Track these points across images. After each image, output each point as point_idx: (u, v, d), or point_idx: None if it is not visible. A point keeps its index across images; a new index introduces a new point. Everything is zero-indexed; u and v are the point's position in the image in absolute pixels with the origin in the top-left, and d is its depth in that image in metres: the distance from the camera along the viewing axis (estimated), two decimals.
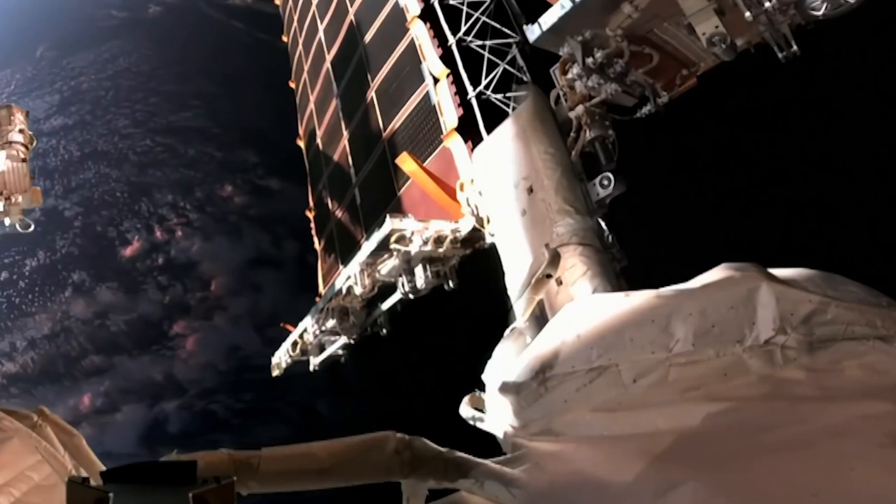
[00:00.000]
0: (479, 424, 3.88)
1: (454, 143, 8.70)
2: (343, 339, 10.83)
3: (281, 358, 12.56)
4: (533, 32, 6.28)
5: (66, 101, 38.32)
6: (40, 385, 31.31)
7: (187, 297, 32.61)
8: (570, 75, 6.55)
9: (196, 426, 29.87)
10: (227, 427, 29.75)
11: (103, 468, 3.94)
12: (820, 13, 5.11)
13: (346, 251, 11.96)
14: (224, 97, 37.17)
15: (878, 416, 2.31)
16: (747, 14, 5.21)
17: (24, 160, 9.35)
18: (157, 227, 34.77)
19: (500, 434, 3.68)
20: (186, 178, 35.84)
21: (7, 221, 9.26)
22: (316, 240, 14.78)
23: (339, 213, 13.14)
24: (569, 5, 5.81)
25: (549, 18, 6.08)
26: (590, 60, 6.07)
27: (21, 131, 9.37)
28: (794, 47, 5.43)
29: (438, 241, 8.19)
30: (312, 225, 15.11)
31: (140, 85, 38.61)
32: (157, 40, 40.11)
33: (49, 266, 33.90)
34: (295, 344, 11.95)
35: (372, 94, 11.64)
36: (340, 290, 9.79)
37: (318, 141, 14.81)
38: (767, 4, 5.09)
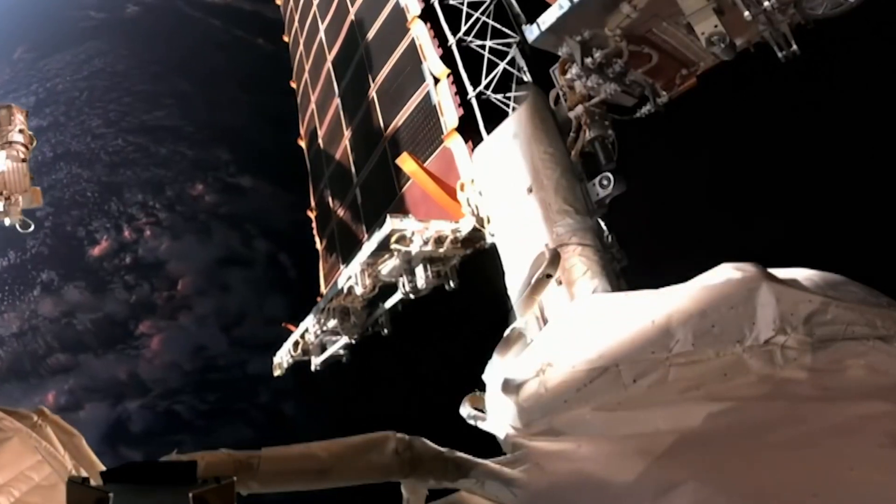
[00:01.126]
0: (479, 424, 3.88)
1: (454, 143, 8.71)
2: (344, 339, 10.83)
3: (282, 358, 12.56)
4: (531, 32, 6.28)
5: (42, 102, 38.42)
6: (6, 382, 31.45)
7: (154, 297, 32.71)
8: (569, 75, 6.56)
9: (158, 426, 29.81)
10: (189, 428, 29.63)
11: (103, 468, 3.94)
12: (819, 12, 5.11)
13: (347, 251, 11.97)
14: (198, 95, 37.13)
15: (878, 416, 2.31)
16: (746, 13, 5.21)
17: (24, 160, 9.36)
18: (125, 226, 34.83)
19: (500, 434, 3.68)
20: (157, 177, 35.84)
21: (7, 221, 9.27)
22: (317, 239, 14.79)
23: (340, 213, 13.15)
24: (567, 5, 5.81)
25: (547, 18, 6.08)
26: (589, 60, 6.07)
27: (21, 131, 9.38)
28: (794, 46, 5.43)
29: (439, 241, 8.19)
30: (314, 225, 15.13)
31: (115, 85, 38.62)
32: (135, 40, 40.18)
33: (19, 266, 34.08)
34: (296, 344, 11.95)
35: (373, 93, 11.65)
36: (341, 289, 9.79)
37: (320, 141, 14.83)
38: (766, 4, 5.08)
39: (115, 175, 36.34)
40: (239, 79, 36.04)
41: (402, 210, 9.31)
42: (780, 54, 5.48)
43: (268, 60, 36.53)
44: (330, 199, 13.91)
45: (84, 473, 3.76)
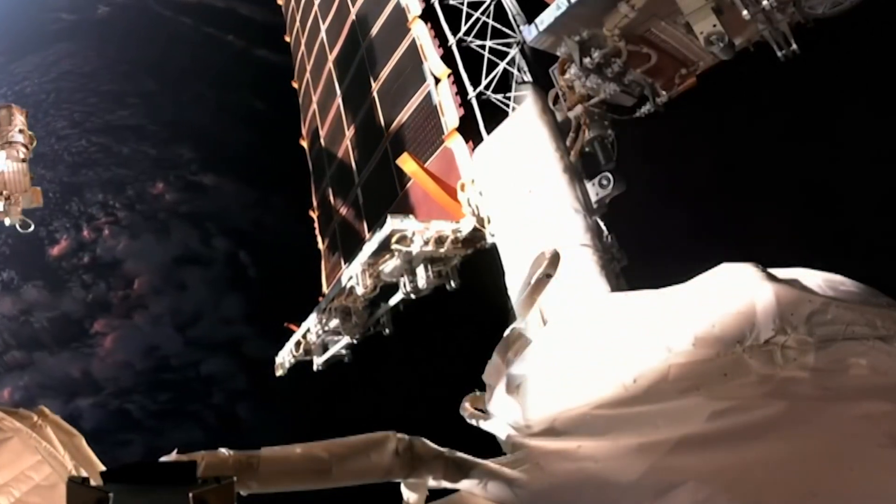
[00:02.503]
0: (479, 424, 3.88)
1: (455, 143, 8.72)
2: (346, 339, 10.84)
3: (284, 358, 12.57)
4: (530, 33, 6.29)
5: None
6: None
7: (110, 296, 32.84)
8: (568, 75, 6.56)
9: (110, 425, 29.79)
10: (139, 427, 29.61)
11: (103, 468, 3.94)
12: (819, 11, 5.11)
13: (349, 251, 11.99)
14: (163, 94, 37.17)
15: (878, 416, 2.31)
16: (745, 13, 5.22)
17: (24, 160, 9.37)
18: (85, 226, 34.88)
19: (500, 434, 3.68)
20: (119, 176, 35.89)
21: (7, 221, 9.28)
22: (319, 239, 14.81)
23: (342, 213, 13.16)
24: (564, 5, 5.81)
25: (544, 19, 6.09)
26: (587, 60, 6.08)
27: (21, 131, 9.39)
28: (794, 45, 5.43)
29: (439, 241, 8.20)
30: (316, 225, 15.14)
31: (81, 86, 38.64)
32: (104, 41, 40.28)
33: None
34: (298, 344, 11.96)
35: (374, 93, 11.66)
36: (343, 289, 9.81)
37: (321, 141, 14.83)
38: (765, 3, 5.09)
39: (77, 175, 36.45)
40: (206, 76, 36.11)
41: (404, 210, 9.32)
42: (779, 53, 5.49)
43: (237, 57, 36.77)
44: (332, 199, 13.92)
45: (84, 473, 3.76)
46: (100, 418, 30.03)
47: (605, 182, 6.28)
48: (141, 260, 33.16)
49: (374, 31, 12.05)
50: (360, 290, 9.14)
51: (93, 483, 1.81)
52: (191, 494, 1.70)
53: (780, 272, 3.19)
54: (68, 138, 37.27)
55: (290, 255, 30.04)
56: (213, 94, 35.34)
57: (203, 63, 36.48)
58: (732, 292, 3.15)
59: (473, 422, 3.88)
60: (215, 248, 32.87)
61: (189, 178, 35.15)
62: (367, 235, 11.03)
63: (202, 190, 34.76)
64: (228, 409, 29.02)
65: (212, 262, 32.50)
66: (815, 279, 3.12)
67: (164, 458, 2.30)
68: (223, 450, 2.53)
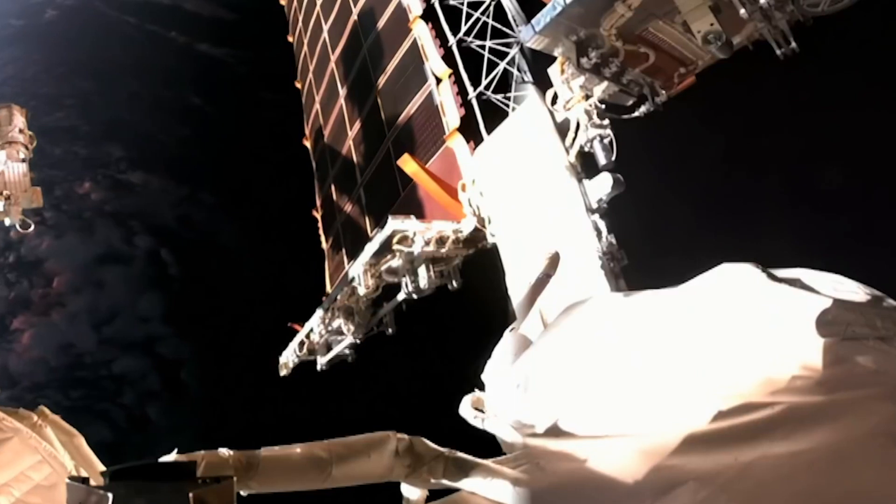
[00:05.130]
0: (479, 424, 3.88)
1: (456, 143, 8.73)
2: (350, 339, 10.84)
3: (288, 358, 12.57)
4: (527, 33, 6.29)
5: None
6: None
7: (31, 294, 33.03)
8: (567, 75, 6.56)
9: None
10: None
11: (103, 468, 3.94)
12: (819, 9, 5.11)
13: (352, 250, 12.00)
14: (98, 93, 37.10)
15: (878, 416, 2.31)
16: (742, 11, 5.21)
17: (24, 160, 9.37)
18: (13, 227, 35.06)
19: (500, 434, 3.67)
20: (49, 178, 35.50)
21: (7, 221, 9.28)
22: (323, 239, 14.81)
23: (345, 213, 13.17)
24: (560, 5, 5.81)
25: (541, 19, 6.09)
26: (584, 60, 6.07)
27: (21, 131, 9.39)
28: (793, 44, 5.42)
29: (441, 241, 8.21)
30: (319, 224, 15.14)
31: (22, 91, 38.21)
32: (49, 44, 40.19)
33: None
34: (302, 344, 11.96)
35: (376, 93, 11.66)
36: (345, 289, 9.82)
37: (324, 141, 14.84)
38: (763, 1, 5.09)
39: None
40: (144, 74, 36.17)
41: (407, 209, 9.33)
42: (778, 52, 5.48)
43: (178, 53, 36.75)
44: (335, 199, 13.94)
45: (84, 473, 3.76)
46: None
47: (604, 182, 6.28)
48: (63, 258, 33.40)
49: (376, 30, 12.06)
50: (362, 291, 9.14)
51: (93, 483, 1.81)
52: (190, 494, 1.70)
53: (780, 272, 3.19)
54: None
55: (214, 253, 30.54)
56: (149, 92, 35.43)
57: (143, 61, 36.56)
58: (733, 292, 3.15)
59: (473, 421, 3.88)
60: (137, 246, 33.07)
61: (117, 177, 35.25)
62: (372, 234, 11.05)
63: (129, 188, 34.90)
64: (138, 409, 29.17)
65: (132, 260, 32.75)
66: (815, 279, 3.12)
67: (163, 458, 2.30)
68: (223, 450, 2.53)
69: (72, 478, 1.83)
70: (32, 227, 9.47)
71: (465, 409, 3.96)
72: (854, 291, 3.00)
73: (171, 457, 2.35)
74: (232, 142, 31.19)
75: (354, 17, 13.22)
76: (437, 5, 9.77)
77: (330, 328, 10.83)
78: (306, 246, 15.66)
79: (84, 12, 41.01)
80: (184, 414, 26.68)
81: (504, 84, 8.36)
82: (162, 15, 38.77)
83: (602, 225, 6.33)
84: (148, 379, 29.81)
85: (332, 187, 14.24)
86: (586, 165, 6.64)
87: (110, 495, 1.67)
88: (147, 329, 30.67)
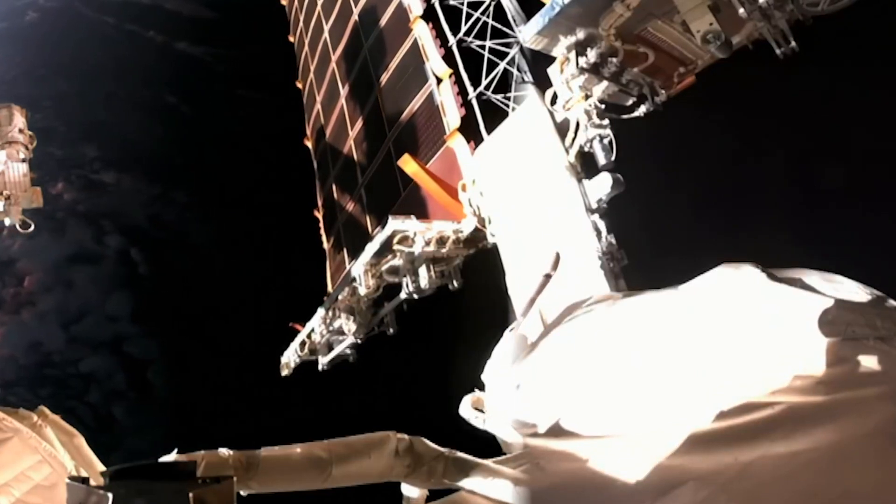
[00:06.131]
0: (479, 424, 3.88)
1: (457, 143, 8.73)
2: (351, 339, 10.84)
3: (290, 358, 12.57)
4: (526, 33, 6.29)
5: None
6: None
7: (2, 293, 33.32)
8: (566, 75, 6.56)
9: None
10: None
11: (103, 468, 3.94)
12: (819, 8, 5.11)
13: (353, 250, 12.00)
14: (76, 94, 37.17)
15: (878, 416, 2.31)
16: (741, 11, 5.21)
17: (24, 160, 9.38)
18: None
19: (500, 434, 3.67)
20: None
21: (7, 221, 9.29)
22: (324, 239, 14.81)
23: (346, 213, 13.17)
24: (559, 5, 5.81)
25: (539, 19, 6.09)
26: (583, 60, 6.07)
27: (21, 131, 9.40)
28: (793, 43, 5.42)
29: (441, 241, 8.22)
30: (321, 224, 15.14)
31: (3, 93, 37.94)
32: (30, 46, 40.27)
33: None
34: (303, 344, 11.96)
35: (377, 93, 11.67)
36: (346, 290, 9.82)
37: (326, 141, 14.85)
38: (761, 0, 5.09)
39: None
40: (121, 74, 36.28)
41: (408, 209, 9.33)
42: (778, 51, 5.48)
43: (156, 52, 36.81)
44: (336, 199, 13.94)
45: (84, 473, 3.76)
46: None
47: (604, 182, 6.28)
48: (34, 258, 33.58)
49: (377, 30, 12.06)
50: (362, 291, 9.14)
51: (93, 483, 1.81)
52: (191, 494, 1.70)
53: (781, 272, 3.18)
54: None
55: (184, 252, 30.64)
56: (125, 92, 35.56)
57: (121, 61, 36.62)
58: (733, 293, 3.15)
59: (474, 422, 3.88)
60: (108, 245, 33.29)
61: (90, 177, 35.37)
62: (373, 234, 11.05)
63: (102, 188, 35.05)
64: (104, 408, 29.40)
65: (102, 259, 32.98)
66: (815, 279, 3.11)
67: (164, 458, 2.30)
68: (223, 450, 2.53)
69: (72, 478, 1.83)
70: (32, 227, 9.47)
71: (465, 409, 3.95)
72: (854, 291, 3.00)
73: (171, 457, 2.35)
74: (208, 140, 31.32)
75: (355, 17, 13.22)
76: (437, 5, 9.77)
77: (331, 328, 10.83)
78: (307, 246, 15.70)
79: (65, 14, 41.15)
80: (149, 413, 27.00)
81: (504, 84, 8.36)
82: (142, 14, 38.93)
83: (602, 225, 6.32)
84: (114, 378, 30.28)
85: (334, 187, 14.25)
86: (586, 165, 6.64)
87: (110, 495, 1.67)
88: (115, 328, 31.08)
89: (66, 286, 32.51)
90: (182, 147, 32.07)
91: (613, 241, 6.27)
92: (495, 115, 8.24)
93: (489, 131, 8.18)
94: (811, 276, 3.13)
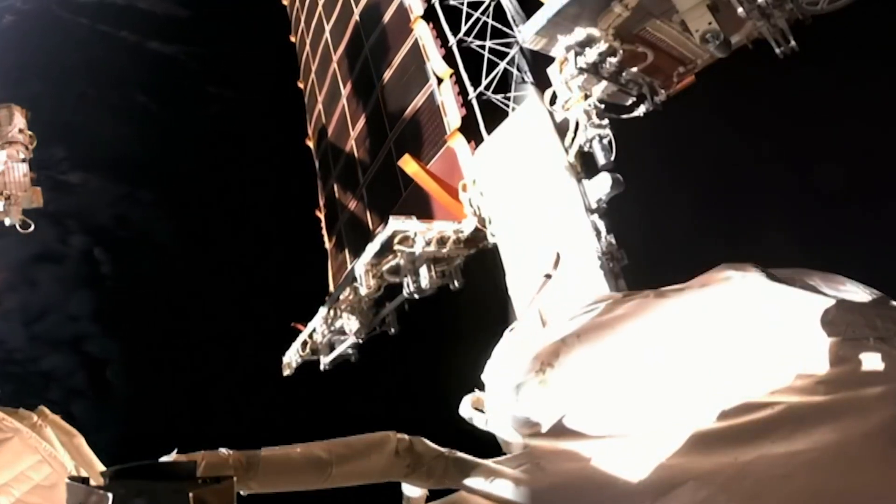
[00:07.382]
0: (479, 424, 3.88)
1: (457, 143, 8.73)
2: (352, 339, 10.83)
3: (291, 358, 12.56)
4: (525, 33, 6.29)
5: None
6: None
7: None
8: (566, 75, 6.55)
9: None
10: None
11: (103, 468, 3.94)
12: (818, 7, 5.10)
13: (355, 250, 11.99)
14: (47, 96, 37.27)
15: (878, 416, 2.31)
16: (740, 10, 5.21)
17: (24, 160, 9.38)
18: None
19: (500, 434, 3.67)
20: None
21: (7, 221, 9.28)
22: (326, 238, 14.81)
23: (348, 213, 13.18)
24: (557, 5, 5.81)
25: (538, 19, 6.08)
26: (582, 60, 6.06)
27: (21, 131, 9.39)
28: (793, 43, 5.42)
29: (441, 241, 8.21)
30: (323, 224, 15.14)
31: None
32: (8, 49, 40.35)
33: None
34: (305, 343, 11.95)
35: (378, 93, 11.67)
36: (347, 289, 9.82)
37: (327, 141, 14.86)
38: (760, 0, 5.09)
39: None
40: (92, 74, 36.40)
41: (409, 209, 9.32)
42: (777, 51, 5.48)
43: (128, 52, 36.90)
44: (338, 199, 13.95)
45: (84, 473, 3.76)
46: None
47: (603, 181, 6.27)
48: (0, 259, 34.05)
49: (378, 30, 12.06)
50: (363, 291, 9.13)
51: (93, 483, 1.81)
52: (191, 494, 1.70)
53: (780, 272, 3.18)
54: None
55: (148, 251, 30.74)
56: (95, 92, 35.67)
57: (92, 61, 36.77)
58: (733, 293, 3.15)
59: (474, 422, 3.88)
60: (71, 245, 33.48)
61: (57, 178, 35.24)
62: (374, 233, 11.05)
63: (68, 188, 35.04)
64: (64, 406, 29.20)
65: (65, 259, 33.15)
66: (816, 279, 3.12)
67: (164, 458, 2.30)
68: (223, 450, 2.53)
69: (72, 478, 1.83)
70: (32, 227, 9.47)
71: (465, 409, 3.96)
72: (855, 292, 3.00)
73: (172, 457, 2.35)
74: (176, 138, 31.41)
75: (356, 17, 13.22)
76: (437, 5, 9.77)
77: (333, 328, 10.83)
78: (308, 246, 15.70)
79: (39, 15, 41.33)
80: (107, 412, 27.18)
81: (504, 84, 8.35)
82: (115, 15, 39.10)
83: (602, 225, 6.31)
84: (74, 377, 30.57)
85: (335, 187, 14.25)
86: (586, 165, 6.63)
87: (110, 495, 1.67)
88: (76, 327, 31.37)
89: (29, 285, 32.77)
90: (151, 146, 32.29)
91: (613, 241, 6.26)
92: (495, 115, 8.23)
93: (489, 131, 8.18)
94: (812, 277, 3.14)
